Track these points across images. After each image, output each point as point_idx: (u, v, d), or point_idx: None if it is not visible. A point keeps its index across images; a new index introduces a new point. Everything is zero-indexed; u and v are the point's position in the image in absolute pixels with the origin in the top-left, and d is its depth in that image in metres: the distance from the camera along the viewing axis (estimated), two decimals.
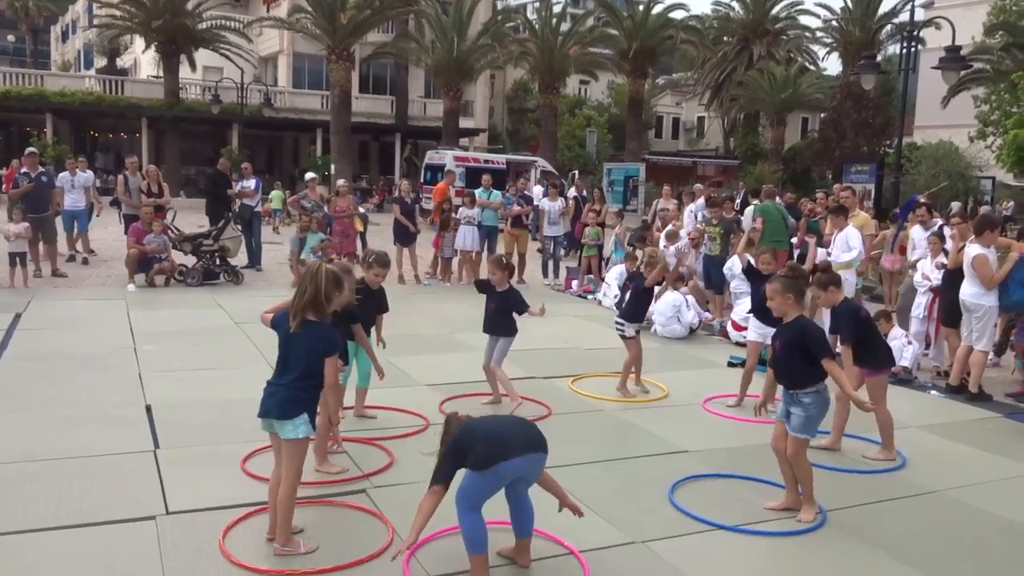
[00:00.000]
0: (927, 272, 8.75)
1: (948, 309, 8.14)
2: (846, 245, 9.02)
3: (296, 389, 3.93)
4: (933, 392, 7.80)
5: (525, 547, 3.90)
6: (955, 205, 18.95)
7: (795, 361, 4.53)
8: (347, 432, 5.49)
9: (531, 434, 3.76)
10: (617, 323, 7.19)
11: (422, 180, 26.13)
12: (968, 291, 7.50)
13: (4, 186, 13.90)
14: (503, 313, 6.47)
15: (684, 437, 6.02)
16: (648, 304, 7.53)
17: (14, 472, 4.82)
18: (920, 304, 8.78)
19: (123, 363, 7.43)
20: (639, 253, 7.64)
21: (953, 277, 8.06)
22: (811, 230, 10.77)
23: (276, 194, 22.58)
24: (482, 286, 6.70)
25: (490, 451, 3.58)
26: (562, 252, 14.36)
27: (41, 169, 12.73)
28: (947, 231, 9.02)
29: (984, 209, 18.13)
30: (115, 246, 14.77)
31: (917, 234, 9.80)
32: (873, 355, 5.58)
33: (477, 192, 14.15)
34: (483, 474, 3.59)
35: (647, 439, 5.92)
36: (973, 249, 7.43)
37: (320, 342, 3.95)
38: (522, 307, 6.43)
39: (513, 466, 3.60)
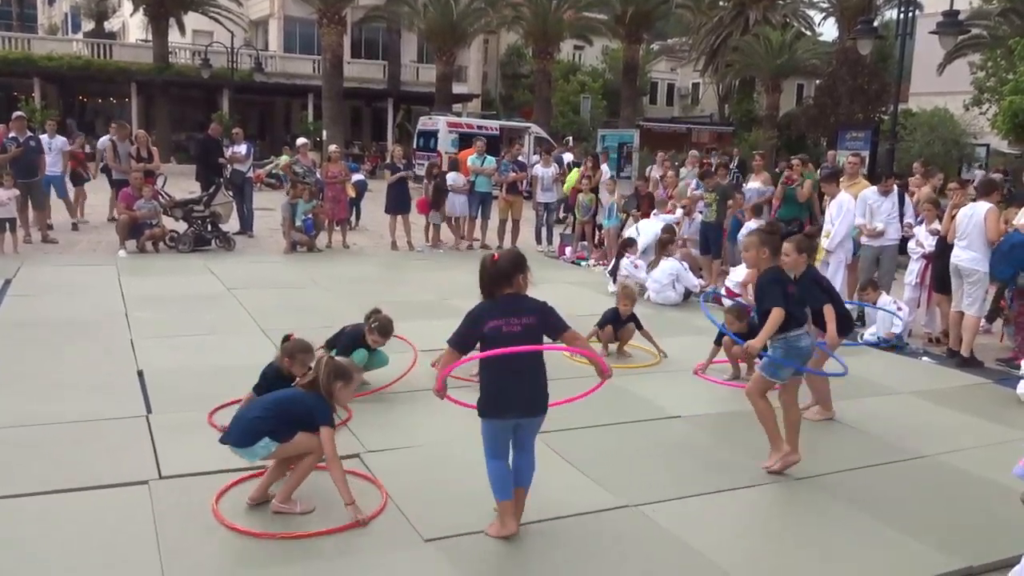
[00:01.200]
0: (921, 239, 8.75)
1: (940, 276, 8.16)
2: (839, 213, 9.01)
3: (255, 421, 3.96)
4: (924, 359, 7.84)
5: (519, 497, 3.93)
6: (978, 174, 18.89)
7: (760, 311, 4.74)
8: None
9: (534, 393, 3.82)
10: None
11: (415, 146, 25.94)
12: (964, 256, 7.50)
13: None
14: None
15: (677, 402, 6.04)
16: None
17: (6, 437, 4.81)
18: (912, 271, 8.79)
19: (115, 329, 7.39)
20: (611, 288, 7.66)
21: (946, 244, 8.07)
22: (788, 197, 10.80)
23: (285, 158, 22.23)
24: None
25: (491, 406, 3.77)
26: (555, 218, 14.31)
27: (29, 134, 12.56)
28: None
29: (979, 174, 18.14)
30: (105, 212, 14.66)
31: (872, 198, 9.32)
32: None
33: (470, 159, 14.05)
34: (487, 423, 3.80)
35: (640, 405, 5.93)
36: (982, 205, 7.45)
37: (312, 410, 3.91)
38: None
39: (509, 424, 3.81)
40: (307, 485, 4.09)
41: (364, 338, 5.77)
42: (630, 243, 10.41)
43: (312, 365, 4.09)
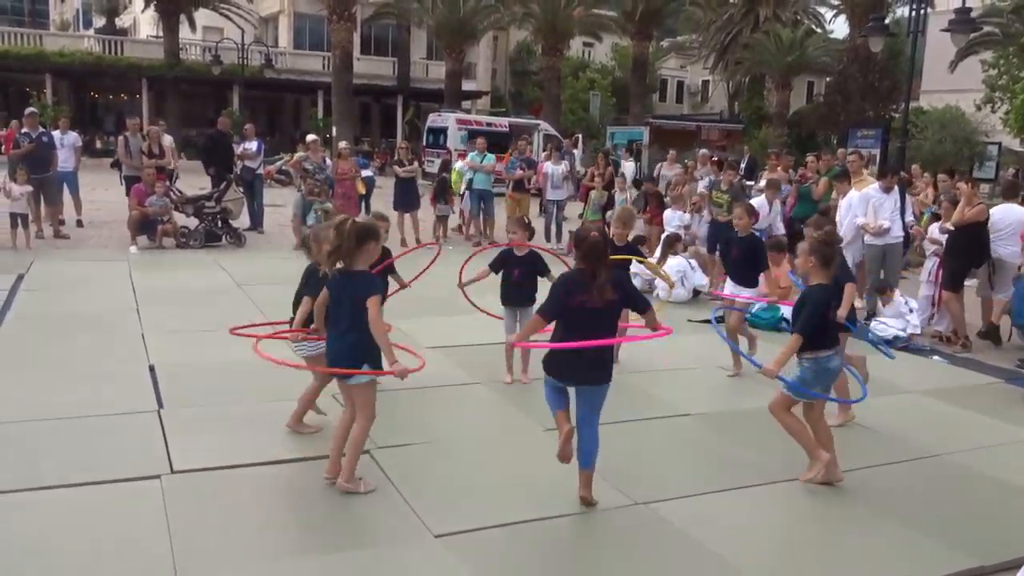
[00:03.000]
0: (935, 236, 8.72)
1: (952, 273, 8.15)
2: (849, 211, 8.99)
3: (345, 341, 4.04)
4: (935, 357, 7.81)
5: (585, 480, 4.13)
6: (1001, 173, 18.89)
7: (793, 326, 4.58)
8: None
9: (595, 364, 4.00)
10: None
11: (424, 143, 25.95)
12: (1006, 251, 8.18)
13: (5, 147, 13.76)
14: (530, 277, 6.11)
15: (687, 400, 6.04)
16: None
17: (20, 431, 4.85)
18: (928, 268, 8.77)
19: (126, 324, 7.43)
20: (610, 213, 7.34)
21: (956, 241, 8.07)
22: (803, 195, 10.72)
23: (301, 154, 22.25)
24: (500, 261, 6.18)
25: (551, 365, 4.03)
26: (564, 215, 14.30)
27: (42, 130, 12.62)
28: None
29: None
30: (117, 208, 14.71)
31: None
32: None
33: (470, 155, 14.07)
34: (549, 380, 4.07)
35: (650, 402, 5.93)
36: (1017, 208, 8.29)
37: (359, 289, 4.00)
38: (547, 269, 6.11)
39: (566, 389, 4.06)
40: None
41: None
42: (675, 240, 10.35)
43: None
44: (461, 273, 6.19)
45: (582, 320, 3.89)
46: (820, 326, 4.44)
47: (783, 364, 4.43)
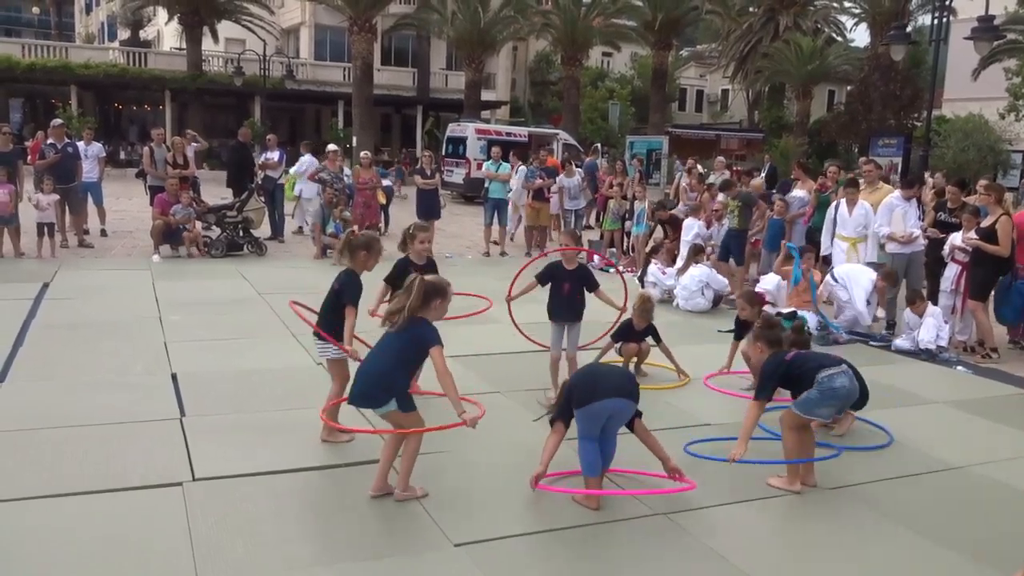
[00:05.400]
0: (958, 244, 8.60)
1: (979, 283, 8.06)
2: (863, 222, 8.95)
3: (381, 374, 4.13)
4: (959, 368, 7.72)
5: (594, 484, 4.31)
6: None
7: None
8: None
9: (622, 382, 4.39)
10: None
11: (444, 153, 26.04)
12: None
13: (31, 157, 13.95)
14: (579, 292, 5.98)
15: (706, 410, 6.01)
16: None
17: (43, 438, 4.90)
18: (948, 277, 8.65)
19: (149, 332, 7.51)
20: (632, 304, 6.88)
21: (982, 251, 7.98)
22: (821, 204, 10.59)
23: (318, 166, 22.40)
24: (548, 274, 6.06)
25: (584, 392, 4.23)
26: (583, 225, 14.32)
27: (67, 140, 12.80)
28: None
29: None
30: (140, 217, 14.88)
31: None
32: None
33: (485, 164, 14.10)
34: (582, 410, 4.23)
35: (670, 412, 5.91)
36: None
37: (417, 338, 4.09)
38: (596, 284, 6.05)
39: (602, 407, 4.20)
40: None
41: (411, 262, 5.68)
42: (699, 250, 10.27)
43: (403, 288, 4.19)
44: (511, 288, 6.16)
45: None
46: (782, 379, 4.65)
47: (747, 438, 4.50)
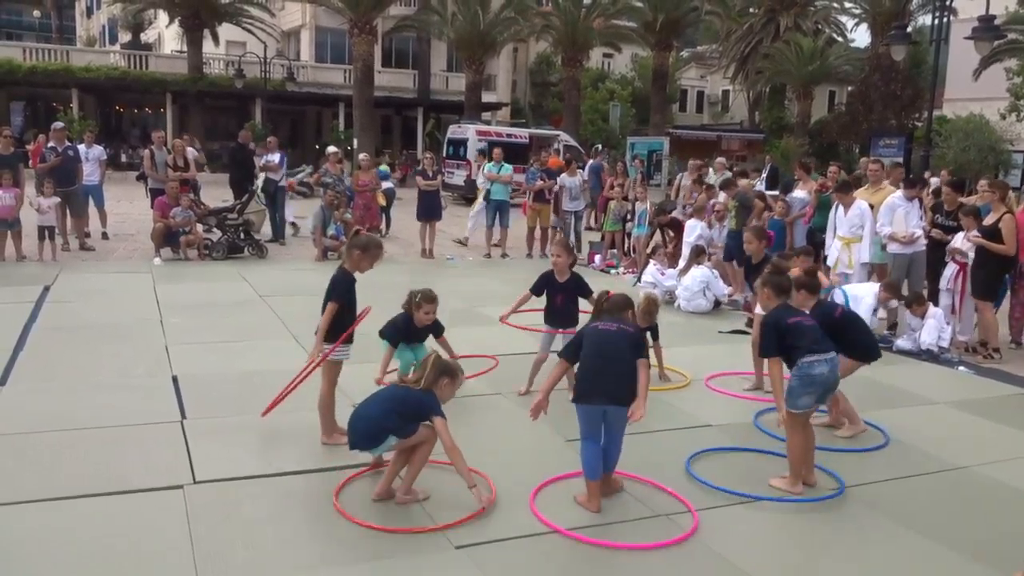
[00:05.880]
0: (958, 245, 8.58)
1: (984, 283, 8.04)
2: (857, 222, 8.92)
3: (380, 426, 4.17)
4: (961, 368, 7.71)
5: (605, 481, 4.32)
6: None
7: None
8: None
9: (617, 387, 4.18)
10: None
11: (444, 155, 26.05)
12: None
13: (32, 160, 13.97)
14: (572, 302, 6.18)
15: (707, 411, 6.01)
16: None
17: (44, 441, 4.90)
18: (946, 276, 8.62)
19: (150, 335, 7.51)
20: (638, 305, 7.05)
21: (988, 252, 7.94)
22: (822, 205, 10.57)
23: (322, 170, 22.38)
24: (542, 284, 6.24)
25: (582, 385, 4.25)
26: (583, 226, 14.29)
27: (68, 144, 12.81)
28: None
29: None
30: (141, 220, 14.89)
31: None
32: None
33: (487, 166, 14.09)
34: (578, 406, 4.24)
35: (671, 413, 5.90)
36: None
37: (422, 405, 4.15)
38: (590, 292, 6.05)
39: (596, 411, 4.18)
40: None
41: (412, 322, 5.63)
42: (701, 251, 10.27)
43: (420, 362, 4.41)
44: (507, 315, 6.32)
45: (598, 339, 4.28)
46: (780, 342, 4.58)
47: (782, 397, 4.52)
